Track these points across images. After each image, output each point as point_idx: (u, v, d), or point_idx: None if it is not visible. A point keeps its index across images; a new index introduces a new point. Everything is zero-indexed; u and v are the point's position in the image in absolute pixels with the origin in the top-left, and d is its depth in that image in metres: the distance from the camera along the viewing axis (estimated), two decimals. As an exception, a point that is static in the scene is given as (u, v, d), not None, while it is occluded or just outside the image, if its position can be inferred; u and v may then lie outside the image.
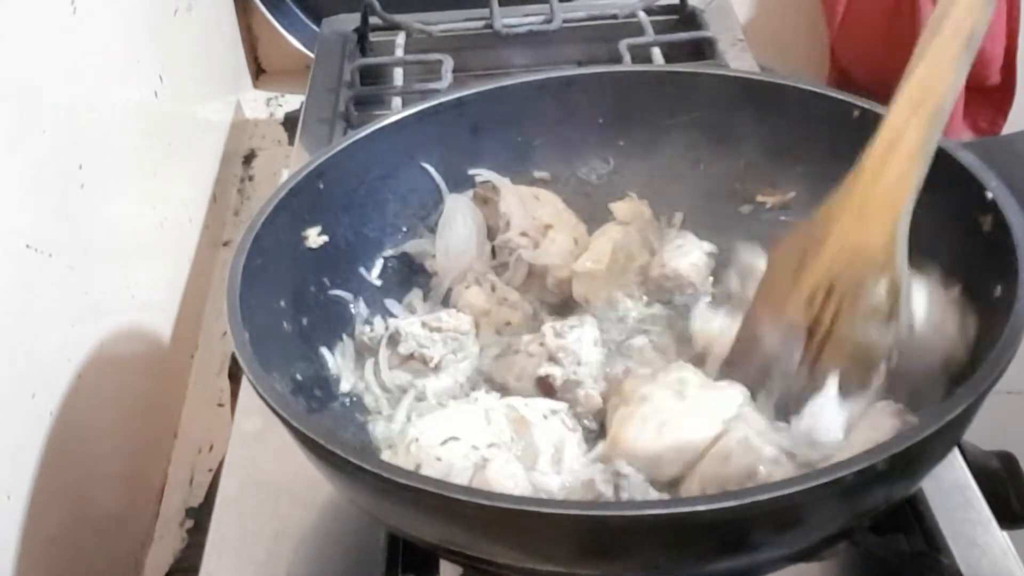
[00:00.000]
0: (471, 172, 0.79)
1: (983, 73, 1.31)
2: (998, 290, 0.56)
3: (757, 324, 0.62)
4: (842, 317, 0.59)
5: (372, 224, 0.75)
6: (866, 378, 0.58)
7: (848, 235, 0.58)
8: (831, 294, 0.59)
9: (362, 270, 0.74)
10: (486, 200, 0.77)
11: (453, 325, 0.69)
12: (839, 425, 0.58)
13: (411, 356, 0.68)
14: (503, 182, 0.77)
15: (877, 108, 0.69)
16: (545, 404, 0.63)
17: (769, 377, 0.61)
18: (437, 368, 0.68)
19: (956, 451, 0.67)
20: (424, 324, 0.69)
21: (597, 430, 0.64)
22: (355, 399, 0.69)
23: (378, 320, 0.73)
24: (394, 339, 0.69)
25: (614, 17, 1.19)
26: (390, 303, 0.74)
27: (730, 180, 0.78)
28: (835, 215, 0.59)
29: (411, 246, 0.77)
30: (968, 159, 0.62)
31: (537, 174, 0.81)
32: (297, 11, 1.37)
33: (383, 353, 0.69)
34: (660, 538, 0.48)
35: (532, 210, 0.76)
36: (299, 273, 0.69)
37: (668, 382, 0.61)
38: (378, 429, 0.67)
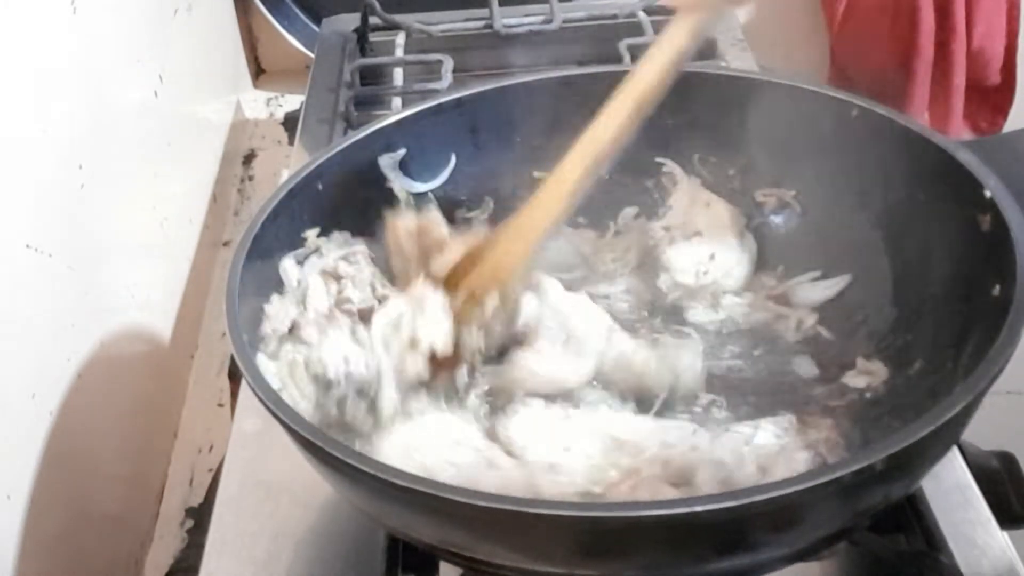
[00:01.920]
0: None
1: (983, 73, 1.31)
2: (997, 289, 0.56)
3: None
4: (461, 320, 0.65)
5: (372, 225, 0.75)
6: (445, 377, 0.65)
7: (497, 254, 0.66)
8: (469, 299, 0.65)
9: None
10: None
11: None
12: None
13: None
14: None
15: (877, 108, 0.69)
16: None
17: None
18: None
19: (956, 451, 0.67)
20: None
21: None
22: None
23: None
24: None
25: (614, 17, 1.19)
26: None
27: (730, 180, 0.78)
28: (500, 234, 0.67)
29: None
30: (968, 159, 0.62)
31: (537, 174, 0.81)
32: (297, 11, 1.37)
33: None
34: (660, 538, 0.48)
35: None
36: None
37: None
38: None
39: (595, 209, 0.78)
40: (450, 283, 0.66)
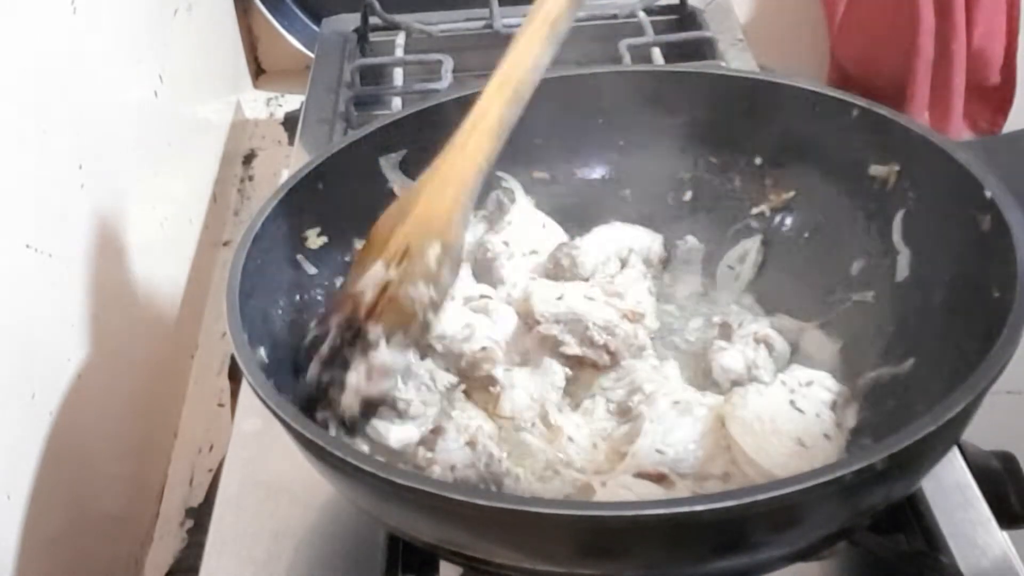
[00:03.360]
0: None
1: (983, 73, 1.31)
2: (997, 289, 0.56)
3: (356, 275, 0.65)
4: (404, 277, 0.62)
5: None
6: (410, 333, 0.62)
7: (427, 204, 0.63)
8: (405, 255, 0.63)
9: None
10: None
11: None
12: None
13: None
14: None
15: (877, 108, 0.69)
16: None
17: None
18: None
19: (956, 451, 0.67)
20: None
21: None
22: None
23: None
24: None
25: (614, 17, 1.19)
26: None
27: (730, 180, 0.78)
28: (423, 185, 0.64)
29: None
30: (968, 159, 0.62)
31: (537, 174, 0.81)
32: (297, 11, 1.37)
33: None
34: (660, 538, 0.48)
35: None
36: (299, 273, 0.69)
37: None
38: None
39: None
40: (376, 242, 0.64)
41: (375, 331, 0.61)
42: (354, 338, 0.61)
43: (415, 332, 0.63)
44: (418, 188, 0.65)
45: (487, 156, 0.63)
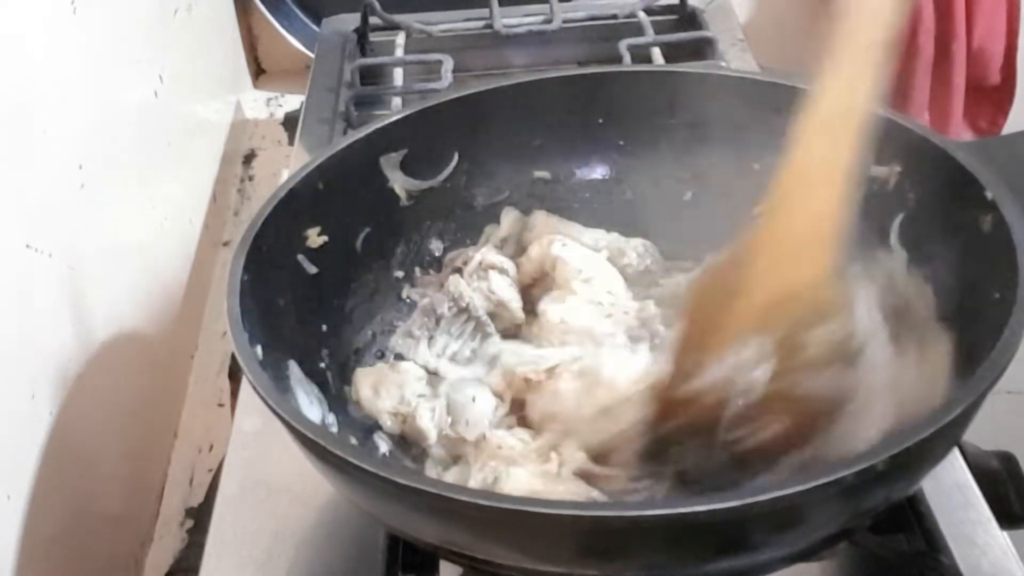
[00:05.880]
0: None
1: (983, 73, 1.31)
2: (997, 290, 0.56)
3: (676, 384, 0.53)
4: (784, 371, 0.50)
5: (372, 225, 0.75)
6: (810, 437, 0.51)
7: (777, 281, 0.51)
8: (763, 347, 0.50)
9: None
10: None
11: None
12: None
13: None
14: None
15: (877, 108, 0.69)
16: None
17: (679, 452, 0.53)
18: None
19: (956, 451, 0.67)
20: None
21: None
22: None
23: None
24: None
25: (614, 17, 1.19)
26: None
27: (729, 180, 0.78)
28: (754, 258, 0.52)
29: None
30: (968, 159, 0.62)
31: (537, 174, 0.81)
32: (297, 11, 1.37)
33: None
34: (660, 538, 0.48)
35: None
36: (299, 273, 0.69)
37: None
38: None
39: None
40: (704, 334, 0.52)
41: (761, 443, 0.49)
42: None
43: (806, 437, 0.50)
44: (741, 262, 0.52)
45: (842, 210, 0.51)
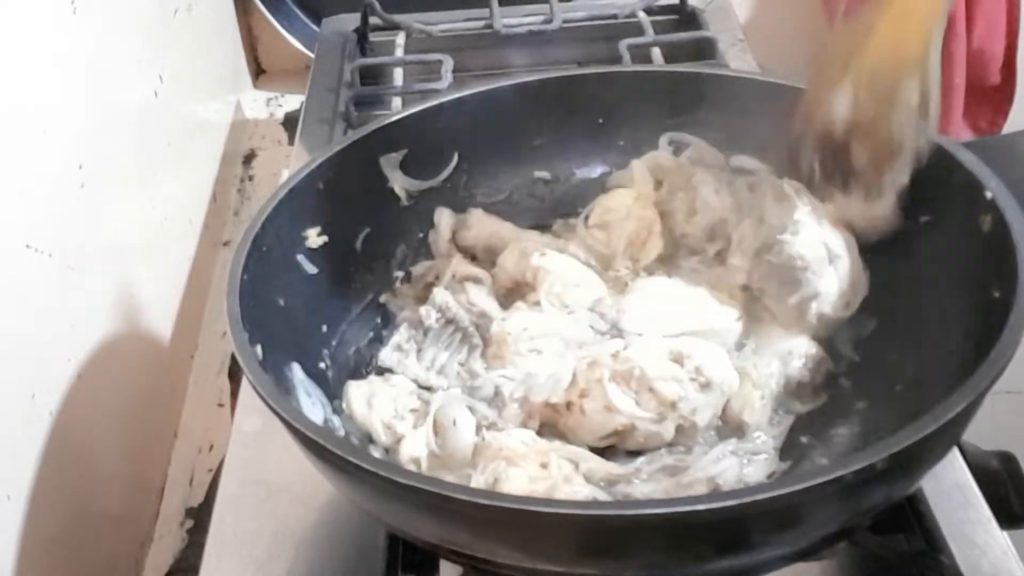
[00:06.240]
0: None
1: (983, 73, 1.31)
2: (997, 290, 0.56)
3: (807, 115, 0.66)
4: (879, 111, 0.63)
5: (371, 225, 0.75)
6: (890, 167, 0.63)
7: (889, 40, 0.62)
8: (871, 89, 0.63)
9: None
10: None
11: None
12: None
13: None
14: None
15: (877, 108, 0.69)
16: None
17: (803, 161, 0.67)
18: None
19: (956, 451, 0.67)
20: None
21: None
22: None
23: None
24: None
25: (614, 17, 1.19)
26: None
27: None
28: (876, 22, 0.63)
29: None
30: (968, 159, 0.62)
31: (537, 174, 0.81)
32: (297, 11, 1.37)
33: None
34: (660, 538, 0.48)
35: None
36: (299, 273, 0.69)
37: None
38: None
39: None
40: (834, 63, 0.64)
41: (859, 152, 0.63)
42: (834, 157, 0.64)
43: (899, 168, 0.63)
44: (866, 24, 0.63)
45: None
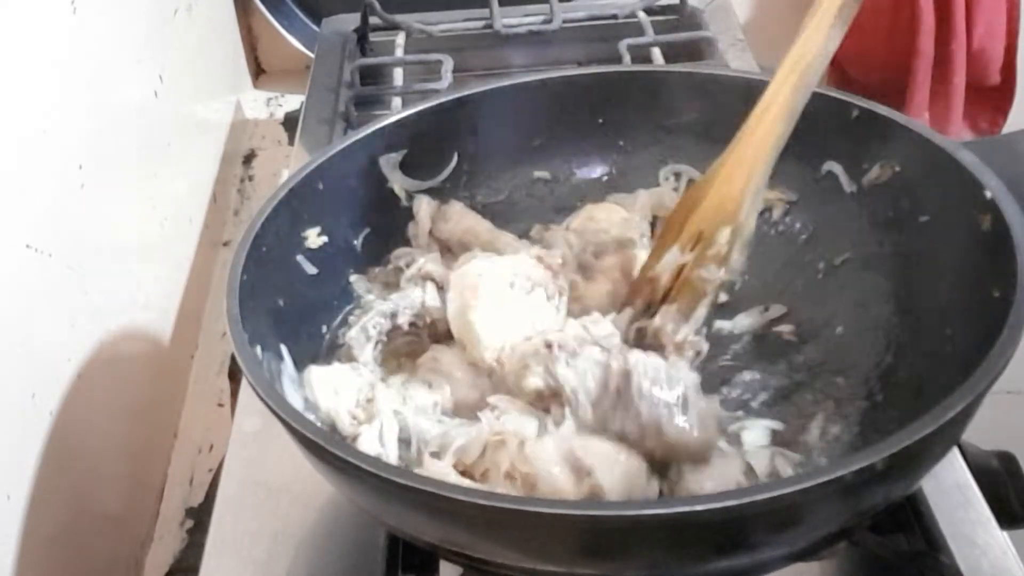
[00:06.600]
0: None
1: (983, 73, 1.31)
2: (997, 289, 0.56)
3: (653, 262, 0.69)
4: (697, 261, 0.66)
5: (371, 225, 0.75)
6: (691, 311, 0.66)
7: (718, 191, 0.66)
8: (699, 241, 0.66)
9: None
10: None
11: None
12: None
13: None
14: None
15: (877, 108, 0.69)
16: None
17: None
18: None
19: (956, 451, 0.67)
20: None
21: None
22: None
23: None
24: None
25: (614, 17, 1.19)
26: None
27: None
28: (714, 174, 0.66)
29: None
30: (968, 159, 0.62)
31: (537, 174, 0.81)
32: (297, 11, 1.37)
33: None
34: (660, 538, 0.48)
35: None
36: (299, 273, 0.69)
37: None
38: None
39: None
40: (672, 229, 0.68)
41: (666, 312, 0.66)
42: (651, 318, 0.67)
43: (703, 309, 0.67)
44: (709, 177, 0.67)
45: (776, 141, 0.64)
